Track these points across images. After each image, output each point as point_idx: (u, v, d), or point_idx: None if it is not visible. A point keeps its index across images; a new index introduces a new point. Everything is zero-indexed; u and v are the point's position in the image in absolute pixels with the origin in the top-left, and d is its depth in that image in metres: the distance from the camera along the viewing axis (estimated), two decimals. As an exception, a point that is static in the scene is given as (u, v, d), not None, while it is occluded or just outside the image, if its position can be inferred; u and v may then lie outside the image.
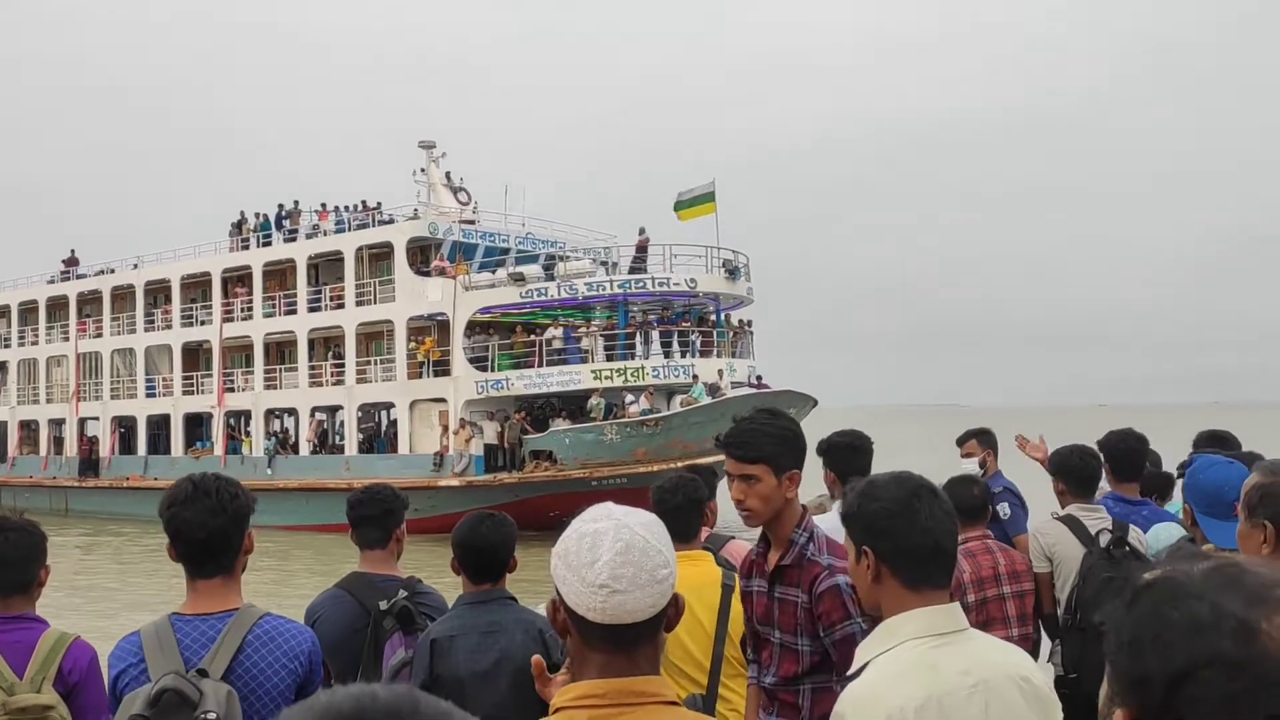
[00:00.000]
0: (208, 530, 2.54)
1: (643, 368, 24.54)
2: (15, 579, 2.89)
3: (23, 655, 2.79)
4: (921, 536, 2.04)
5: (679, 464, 21.12)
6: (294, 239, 31.17)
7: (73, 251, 38.17)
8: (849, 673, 2.12)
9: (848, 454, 4.26)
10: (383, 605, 3.40)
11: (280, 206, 32.22)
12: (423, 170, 30.45)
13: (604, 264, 27.59)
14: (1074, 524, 4.36)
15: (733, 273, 26.59)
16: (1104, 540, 4.19)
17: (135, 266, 35.33)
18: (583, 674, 1.64)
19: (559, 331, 25.31)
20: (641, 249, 25.93)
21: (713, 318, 27.07)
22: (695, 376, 24.30)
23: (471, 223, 29.29)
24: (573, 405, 26.84)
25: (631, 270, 25.93)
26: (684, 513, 3.69)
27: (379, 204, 30.89)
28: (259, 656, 2.55)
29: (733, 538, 4.42)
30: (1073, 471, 4.49)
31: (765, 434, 2.60)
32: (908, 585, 2.04)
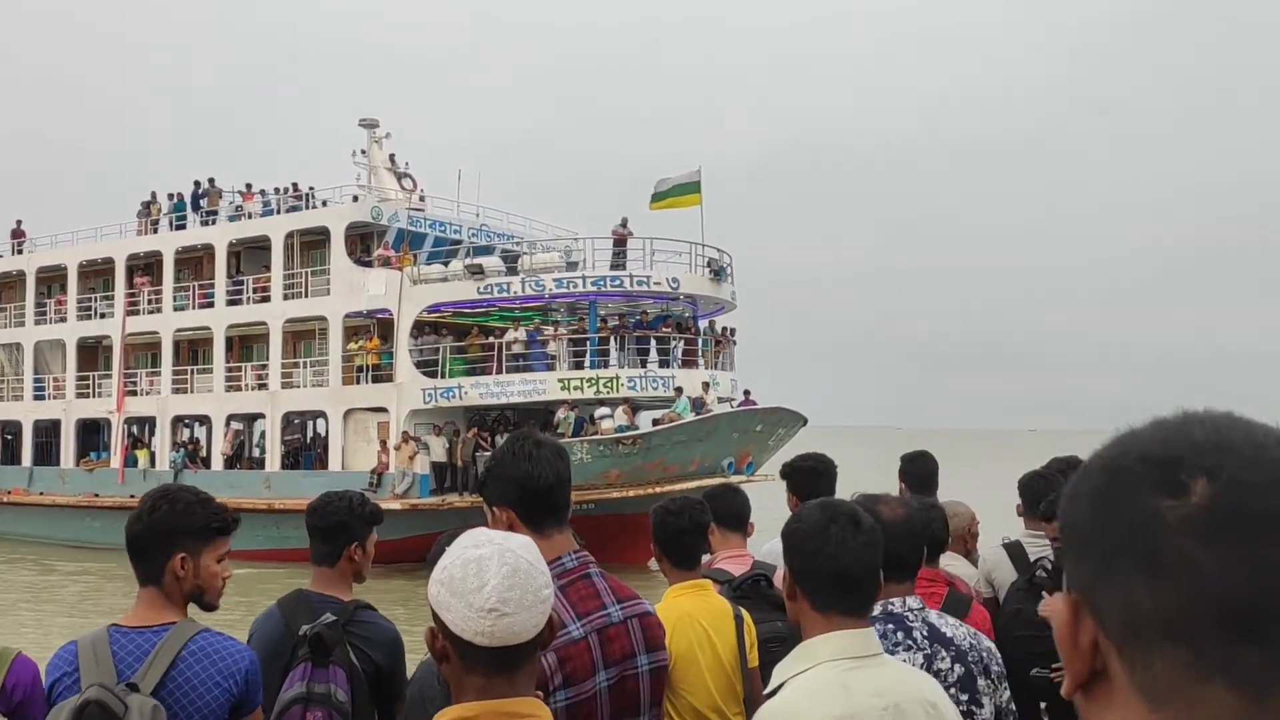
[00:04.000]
0: (133, 538, 2.70)
1: (617, 378, 22.44)
2: None
3: None
4: (826, 561, 2.17)
5: (657, 489, 19.17)
6: (212, 221, 28.58)
7: (19, 223, 33.94)
8: (765, 690, 2.28)
9: (809, 477, 4.28)
10: (304, 629, 3.07)
11: (196, 184, 29.64)
12: (363, 152, 28.33)
13: (570, 262, 25.37)
14: (1015, 550, 4.62)
15: (718, 273, 24.70)
16: (1039, 570, 4.30)
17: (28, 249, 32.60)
18: (461, 699, 1.70)
19: (522, 334, 23.03)
20: (620, 243, 23.78)
21: (693, 323, 25.04)
22: (679, 389, 22.20)
23: (420, 210, 27.00)
24: (530, 419, 24.65)
25: (613, 266, 23.69)
26: (688, 537, 3.57)
27: (311, 188, 28.43)
28: (192, 673, 2.59)
29: (775, 567, 3.96)
30: (1025, 493, 4.80)
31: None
32: (815, 608, 2.19)
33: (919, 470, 5.27)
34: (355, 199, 26.63)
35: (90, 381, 30.12)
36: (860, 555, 2.19)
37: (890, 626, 2.60)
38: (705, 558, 3.90)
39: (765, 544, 4.51)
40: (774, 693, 2.18)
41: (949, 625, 2.68)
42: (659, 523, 3.56)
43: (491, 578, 1.65)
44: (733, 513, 4.15)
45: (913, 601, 2.67)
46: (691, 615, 3.40)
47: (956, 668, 2.62)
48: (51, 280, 31.83)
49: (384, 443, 23.67)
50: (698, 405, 22.22)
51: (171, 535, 2.68)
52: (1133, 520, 0.74)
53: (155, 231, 29.67)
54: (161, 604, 2.69)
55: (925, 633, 2.62)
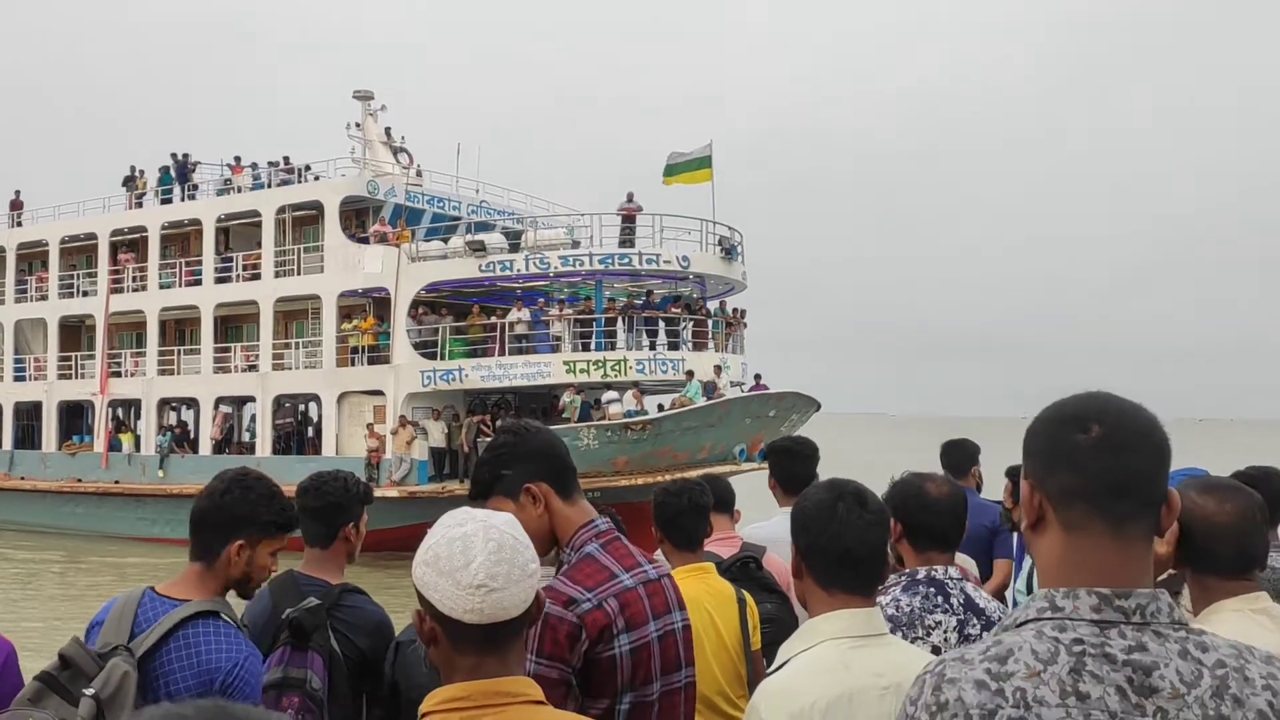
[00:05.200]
0: (199, 513, 2.79)
1: (625, 360, 21.65)
2: None
3: None
4: (830, 539, 2.22)
5: (666, 476, 18.47)
6: (193, 195, 27.90)
7: (17, 193, 32.64)
8: (769, 669, 2.29)
9: (785, 459, 4.40)
10: (286, 613, 3.07)
11: (186, 157, 28.69)
12: (357, 125, 27.36)
13: (573, 241, 24.55)
14: None
15: (729, 252, 23.93)
16: None
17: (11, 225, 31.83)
18: (451, 680, 1.71)
19: (525, 314, 22.23)
20: (629, 219, 22.96)
21: (703, 304, 24.26)
22: (690, 373, 21.46)
23: (417, 185, 26.21)
24: (533, 403, 23.90)
25: (620, 244, 22.86)
26: (686, 518, 3.64)
27: (308, 165, 27.53)
28: (176, 657, 2.64)
29: (764, 549, 4.16)
30: None
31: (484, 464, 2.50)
32: (820, 585, 2.24)
33: (952, 456, 5.88)
34: (343, 176, 25.82)
35: (73, 362, 29.37)
36: (865, 534, 2.22)
37: (932, 590, 2.74)
38: None
39: (749, 526, 4.65)
40: (777, 670, 2.20)
41: (982, 598, 2.84)
42: (658, 505, 3.66)
43: (478, 554, 1.66)
44: (719, 497, 4.26)
45: (953, 571, 2.83)
46: (695, 599, 3.41)
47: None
48: (32, 256, 30.95)
49: (371, 426, 22.89)
50: (709, 389, 21.50)
51: (237, 522, 2.75)
52: (1064, 444, 1.47)
53: (141, 206, 28.83)
54: (199, 582, 2.76)
55: (961, 600, 2.78)
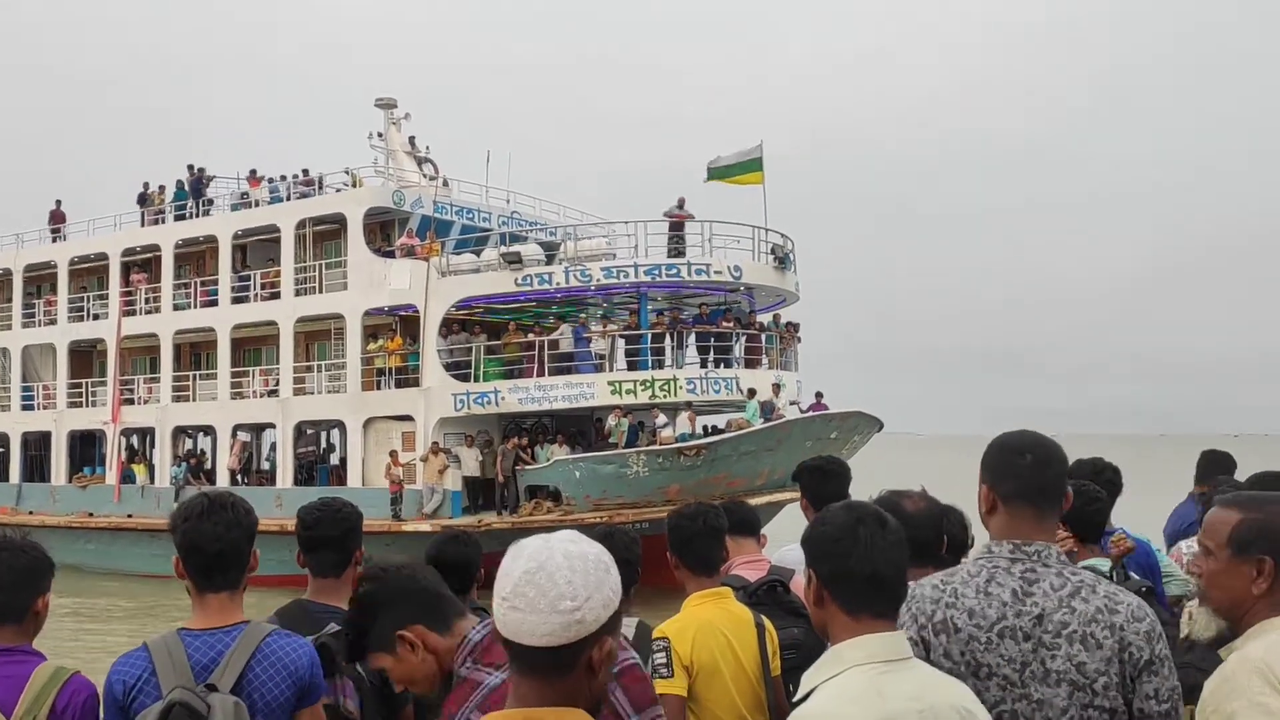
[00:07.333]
0: (222, 544, 2.82)
1: (675, 379, 20.19)
2: (3, 605, 2.89)
3: (12, 691, 2.81)
4: (859, 563, 2.19)
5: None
6: (208, 211, 26.95)
7: (58, 204, 31.27)
8: (795, 698, 2.24)
9: (816, 478, 4.32)
10: (312, 639, 3.10)
11: (201, 171, 27.72)
12: (380, 135, 26.40)
13: (611, 253, 23.24)
14: None
15: (782, 261, 22.49)
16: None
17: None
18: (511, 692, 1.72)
19: (567, 330, 20.82)
20: (678, 226, 21.49)
21: (757, 317, 22.79)
22: (751, 391, 20.03)
23: (445, 195, 25.09)
24: (572, 426, 22.50)
25: (670, 253, 21.42)
26: (700, 541, 3.67)
27: (331, 179, 26.36)
28: (265, 674, 2.75)
29: (793, 572, 4.05)
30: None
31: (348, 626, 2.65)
32: (846, 611, 2.20)
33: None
34: (351, 184, 24.68)
35: (83, 390, 28.46)
36: (891, 555, 2.20)
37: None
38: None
39: (779, 549, 4.57)
40: (803, 700, 2.16)
41: None
42: (673, 528, 3.67)
43: (517, 569, 1.63)
44: (743, 520, 4.34)
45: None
46: (713, 624, 3.46)
47: None
48: (40, 279, 30.02)
49: (394, 454, 21.59)
50: (767, 410, 20.04)
51: (254, 536, 2.91)
52: (1010, 464, 2.56)
53: (158, 223, 27.84)
54: (231, 606, 2.84)
55: None
